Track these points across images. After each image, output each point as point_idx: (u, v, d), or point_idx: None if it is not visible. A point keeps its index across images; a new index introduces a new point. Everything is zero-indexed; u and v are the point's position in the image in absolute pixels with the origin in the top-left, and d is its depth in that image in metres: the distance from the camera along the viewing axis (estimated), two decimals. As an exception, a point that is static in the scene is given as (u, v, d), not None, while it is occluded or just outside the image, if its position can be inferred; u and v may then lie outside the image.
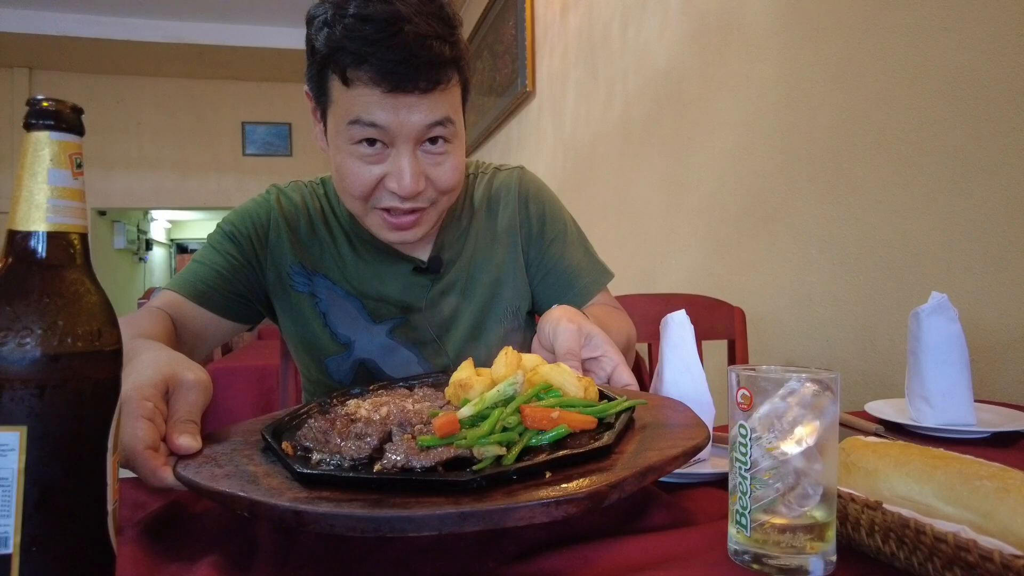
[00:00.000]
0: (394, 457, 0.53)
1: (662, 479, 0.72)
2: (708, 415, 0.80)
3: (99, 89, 7.35)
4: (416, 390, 0.72)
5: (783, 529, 0.50)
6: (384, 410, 0.63)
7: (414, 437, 0.58)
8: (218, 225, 1.05)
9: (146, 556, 0.54)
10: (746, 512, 0.51)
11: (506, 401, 0.62)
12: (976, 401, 0.96)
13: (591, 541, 0.56)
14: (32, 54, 6.77)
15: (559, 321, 0.81)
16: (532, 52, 3.81)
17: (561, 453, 0.55)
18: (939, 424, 0.93)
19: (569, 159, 3.32)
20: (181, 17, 6.41)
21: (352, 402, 0.68)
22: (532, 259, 1.10)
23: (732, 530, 0.52)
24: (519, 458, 0.54)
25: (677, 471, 0.74)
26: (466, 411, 0.61)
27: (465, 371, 0.71)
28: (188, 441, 0.61)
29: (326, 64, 0.85)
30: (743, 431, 0.51)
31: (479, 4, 4.65)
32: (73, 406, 0.41)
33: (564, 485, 0.50)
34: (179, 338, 0.97)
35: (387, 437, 0.59)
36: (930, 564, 0.46)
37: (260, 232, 1.02)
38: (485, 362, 1.05)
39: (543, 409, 0.61)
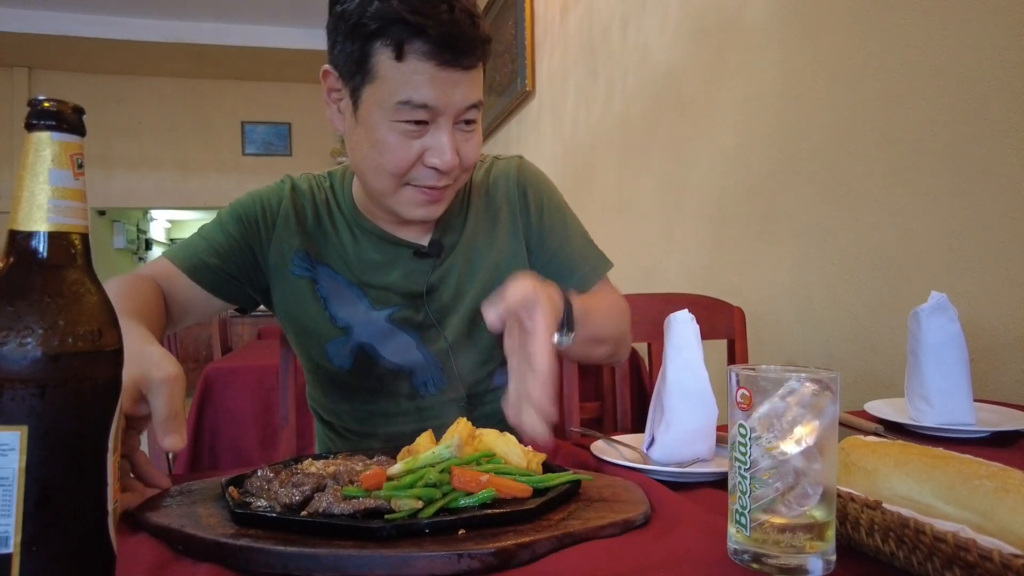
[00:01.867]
0: (318, 504, 0.57)
1: (662, 479, 0.72)
2: (711, 415, 0.80)
3: (99, 89, 7.34)
4: (375, 457, 0.74)
5: (783, 529, 0.50)
6: (331, 469, 0.65)
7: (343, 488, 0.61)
8: (230, 204, 1.06)
9: (146, 556, 0.54)
10: (746, 512, 0.51)
11: (440, 462, 0.63)
12: (975, 401, 0.96)
13: (591, 541, 0.56)
14: (32, 54, 6.77)
15: (516, 280, 0.77)
16: (532, 52, 3.81)
17: (479, 513, 0.56)
18: (939, 424, 0.93)
19: (569, 158, 3.32)
20: (181, 17, 6.40)
21: (307, 460, 0.71)
22: (533, 247, 1.10)
23: (732, 529, 0.52)
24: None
25: (678, 471, 0.74)
26: (396, 468, 0.63)
27: (423, 438, 0.72)
28: (173, 441, 0.62)
29: (376, 37, 0.86)
30: (743, 431, 0.51)
31: (479, 3, 4.66)
32: (74, 406, 0.41)
33: (473, 540, 0.52)
34: (167, 308, 0.98)
35: (321, 488, 0.61)
36: (929, 564, 0.46)
37: (269, 216, 1.04)
38: (486, 348, 1.06)
39: (473, 472, 0.62)
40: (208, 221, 1.05)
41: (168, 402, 0.62)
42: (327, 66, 0.93)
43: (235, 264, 1.02)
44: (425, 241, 1.05)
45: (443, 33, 0.83)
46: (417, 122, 0.88)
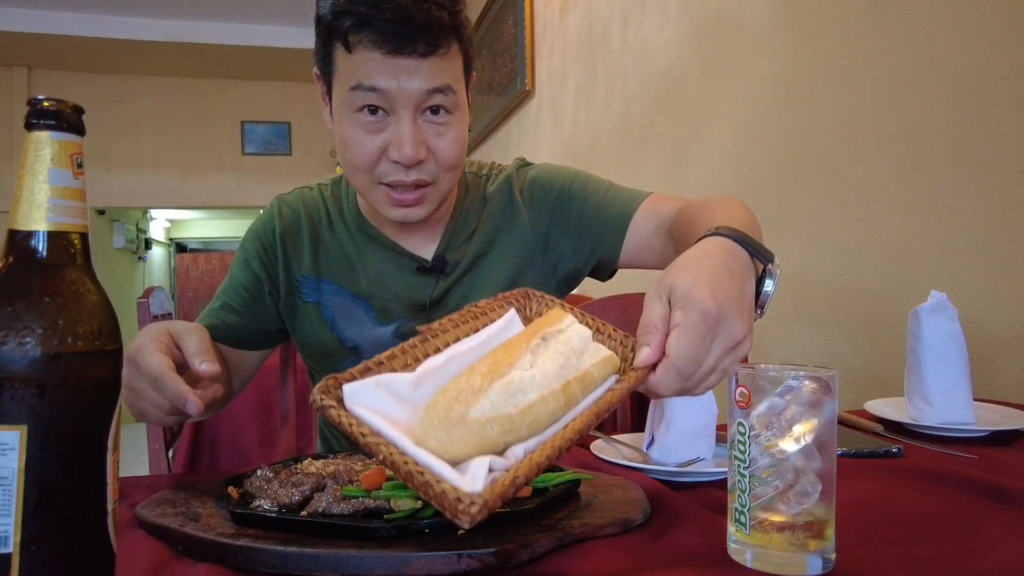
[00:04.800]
0: (318, 504, 0.58)
1: (662, 479, 0.72)
2: (711, 414, 0.80)
3: (98, 88, 7.33)
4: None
5: (782, 527, 0.50)
6: (331, 469, 0.65)
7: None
8: (238, 250, 1.08)
9: (146, 556, 0.54)
10: (745, 510, 0.51)
11: None
12: (975, 400, 0.96)
13: (592, 541, 0.56)
14: (31, 53, 6.76)
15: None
16: (531, 51, 3.81)
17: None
18: (938, 423, 0.93)
19: (568, 158, 3.32)
20: (181, 16, 6.40)
21: (307, 460, 0.71)
22: (559, 230, 1.05)
23: (731, 528, 0.53)
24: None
25: (678, 471, 0.74)
26: None
27: None
28: (208, 366, 0.72)
29: (330, 32, 0.87)
30: (741, 429, 0.51)
31: (478, 3, 4.66)
32: (73, 406, 0.41)
33: (472, 540, 0.52)
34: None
35: (321, 488, 0.61)
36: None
37: (270, 251, 1.04)
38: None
39: None
40: (224, 281, 1.07)
41: (197, 340, 0.75)
42: (315, 68, 0.94)
43: (254, 314, 1.04)
44: (429, 253, 1.03)
45: (387, 21, 0.82)
46: (373, 111, 0.87)
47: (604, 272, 1.09)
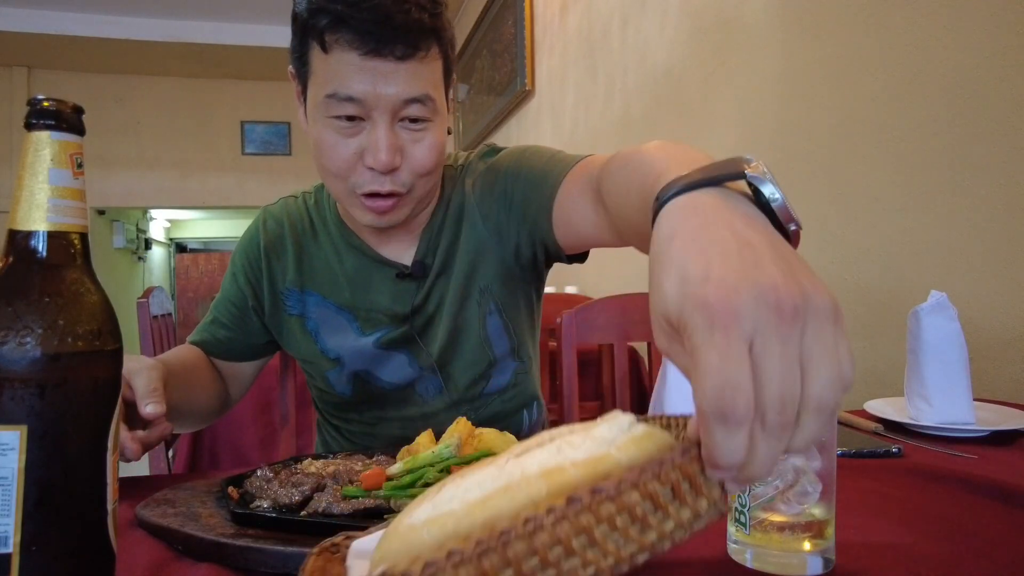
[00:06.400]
0: (318, 504, 0.58)
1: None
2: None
3: (98, 88, 7.34)
4: (374, 456, 0.74)
5: (782, 527, 0.50)
6: (331, 469, 0.66)
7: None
8: (229, 263, 1.09)
9: (146, 556, 0.54)
10: (745, 510, 0.51)
11: (440, 462, 0.63)
12: (975, 400, 0.96)
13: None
14: (31, 53, 6.76)
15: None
16: (531, 51, 3.81)
17: None
18: (938, 423, 0.93)
19: (569, 158, 3.32)
20: (181, 16, 6.40)
21: (307, 460, 0.72)
22: (505, 214, 0.99)
23: (731, 528, 0.52)
24: None
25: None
26: (396, 468, 0.63)
27: (423, 437, 0.72)
28: (153, 408, 0.73)
29: (306, 30, 0.85)
30: (742, 430, 0.51)
31: (478, 3, 4.65)
32: (73, 405, 0.41)
33: None
34: (217, 375, 1.06)
35: (321, 488, 0.62)
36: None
37: (255, 265, 1.05)
38: (471, 352, 1.03)
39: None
40: (218, 294, 1.09)
41: (146, 381, 0.76)
42: (290, 67, 0.92)
43: (242, 329, 1.05)
44: (407, 259, 1.01)
45: (365, 20, 0.79)
46: (349, 118, 0.85)
47: (557, 254, 0.96)
